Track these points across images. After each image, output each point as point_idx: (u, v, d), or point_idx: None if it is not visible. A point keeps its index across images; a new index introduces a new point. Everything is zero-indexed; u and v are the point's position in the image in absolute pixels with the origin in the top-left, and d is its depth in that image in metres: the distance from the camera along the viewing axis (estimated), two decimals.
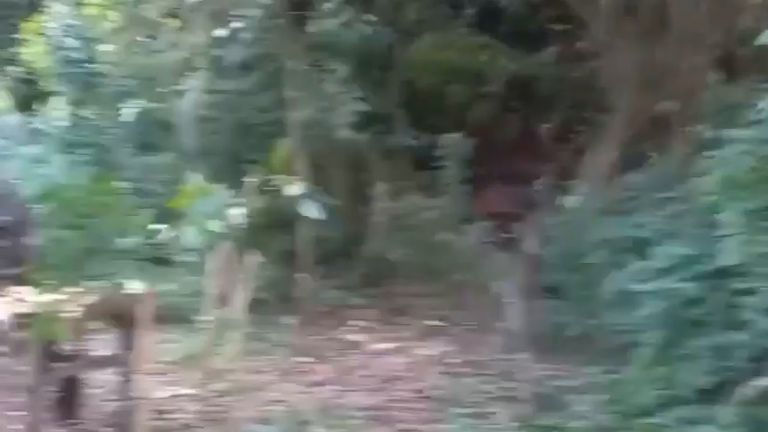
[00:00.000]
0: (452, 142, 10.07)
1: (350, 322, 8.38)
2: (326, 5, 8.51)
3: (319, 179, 9.40)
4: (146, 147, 9.49)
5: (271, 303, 8.11)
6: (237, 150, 9.09)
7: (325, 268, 9.33)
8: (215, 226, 3.98)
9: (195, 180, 3.92)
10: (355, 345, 7.66)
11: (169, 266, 4.03)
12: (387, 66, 10.09)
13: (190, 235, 3.88)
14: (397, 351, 7.46)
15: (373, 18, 7.76)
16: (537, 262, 7.81)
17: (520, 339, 7.19)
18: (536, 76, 11.57)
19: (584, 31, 9.77)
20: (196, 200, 4.10)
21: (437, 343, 7.61)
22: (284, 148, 3.94)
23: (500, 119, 11.63)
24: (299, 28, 8.36)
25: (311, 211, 4.13)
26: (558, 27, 11.48)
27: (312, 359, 7.13)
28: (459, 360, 7.10)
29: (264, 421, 5.63)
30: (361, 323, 8.36)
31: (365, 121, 8.68)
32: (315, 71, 8.58)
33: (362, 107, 8.21)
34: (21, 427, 4.93)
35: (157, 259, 3.83)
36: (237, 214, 4.13)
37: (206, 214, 4.08)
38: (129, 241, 3.67)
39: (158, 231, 3.80)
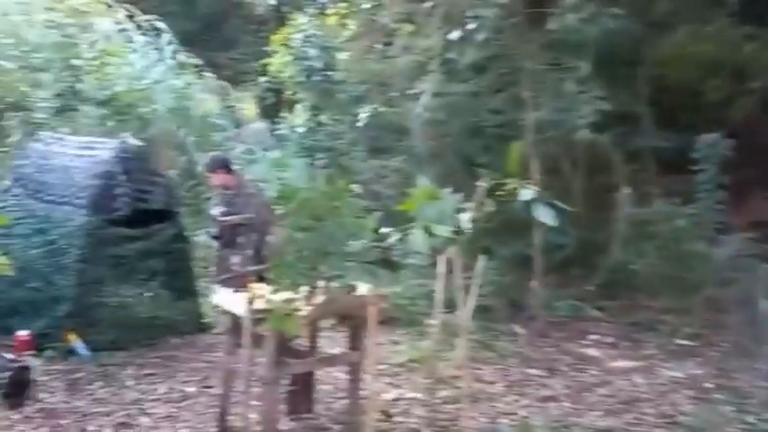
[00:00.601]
0: (708, 143, 9.39)
1: (586, 335, 8.08)
2: (567, 0, 8.31)
3: (555, 183, 9.22)
4: (378, 150, 9.90)
5: (499, 310, 8.10)
6: (469, 153, 9.14)
7: (558, 277, 9.14)
8: (443, 230, 4.02)
9: (424, 184, 3.97)
10: (592, 360, 7.37)
11: (397, 269, 4.15)
12: (633, 61, 9.64)
13: (417, 239, 3.95)
14: (639, 370, 7.07)
15: (619, 11, 7.40)
16: None
17: None
18: None
19: None
20: (425, 203, 4.16)
21: (686, 364, 7.14)
22: (517, 150, 3.87)
23: (765, 118, 10.64)
24: (537, 26, 8.25)
25: (545, 216, 4.02)
26: None
27: (544, 372, 6.97)
28: (712, 385, 6.61)
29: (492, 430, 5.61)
30: (599, 337, 8.04)
31: (607, 121, 8.31)
32: (553, 70, 8.41)
33: (604, 106, 7.87)
34: (256, 416, 5.35)
35: (386, 262, 3.94)
36: (466, 218, 4.12)
37: (434, 218, 4.13)
38: (358, 244, 3.81)
39: (387, 234, 3.90)
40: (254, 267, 6.73)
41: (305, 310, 4.32)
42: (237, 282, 5.02)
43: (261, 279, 4.76)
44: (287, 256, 3.93)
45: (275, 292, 4.00)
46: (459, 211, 4.23)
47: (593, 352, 7.64)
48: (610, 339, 7.96)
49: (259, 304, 4.33)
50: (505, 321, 8.13)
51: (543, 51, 8.33)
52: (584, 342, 7.91)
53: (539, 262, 8.25)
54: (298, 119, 10.76)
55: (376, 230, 4.01)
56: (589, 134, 8.02)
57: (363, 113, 9.28)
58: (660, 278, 8.86)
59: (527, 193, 4.25)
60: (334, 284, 3.96)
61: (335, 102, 10.27)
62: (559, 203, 4.15)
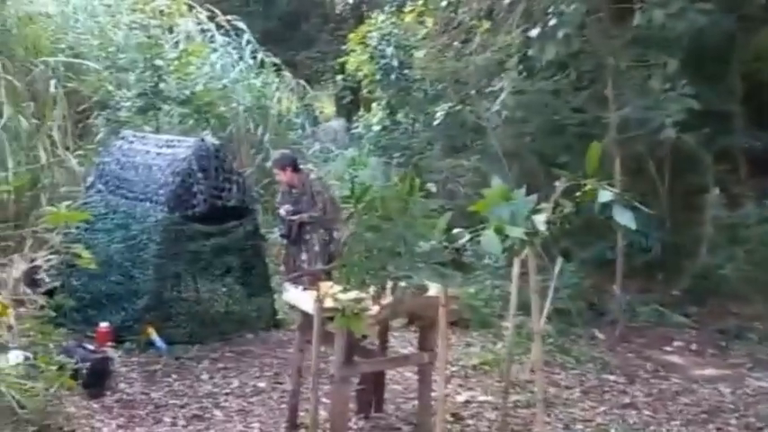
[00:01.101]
0: None
1: (669, 342, 7.89)
2: None
3: (639, 184, 9.01)
4: (454, 149, 9.89)
5: (575, 314, 7.98)
6: (548, 153, 9.03)
7: (642, 281, 8.94)
8: (516, 232, 3.98)
9: (497, 184, 3.96)
10: (675, 367, 7.20)
11: (468, 271, 4.14)
12: (723, 58, 9.32)
13: (489, 240, 3.92)
14: (725, 379, 6.89)
15: (709, 6, 7.16)
16: None
17: None
18: None
19: None
20: (497, 204, 4.12)
21: None
22: (597, 149, 3.80)
23: None
24: (621, 21, 8.08)
25: (624, 218, 3.92)
26: None
27: (623, 378, 6.84)
28: None
29: None
30: (683, 344, 7.85)
31: (695, 120, 8.06)
32: (637, 67, 8.22)
33: (693, 104, 7.64)
34: (325, 413, 5.44)
35: (457, 263, 3.93)
36: (541, 220, 4.07)
37: (507, 219, 4.09)
38: (430, 244, 3.82)
39: (459, 235, 3.91)
40: (322, 265, 6.87)
41: (373, 309, 4.37)
42: (307, 279, 5.12)
43: (330, 277, 4.84)
44: (355, 255, 3.97)
45: (344, 291, 4.04)
46: (535, 211, 4.17)
47: (676, 359, 7.47)
48: (695, 346, 7.77)
49: (328, 303, 4.40)
50: (584, 325, 8.01)
51: (628, 48, 8.15)
52: (667, 349, 7.74)
53: (620, 265, 8.08)
54: (374, 117, 10.84)
55: (447, 231, 4.01)
56: (676, 133, 7.77)
57: (440, 112, 9.28)
58: (750, 284, 8.56)
59: (606, 195, 4.15)
60: (404, 285, 3.97)
61: (412, 100, 10.29)
62: (640, 206, 4.05)
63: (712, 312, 8.59)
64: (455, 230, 4.10)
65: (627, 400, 6.36)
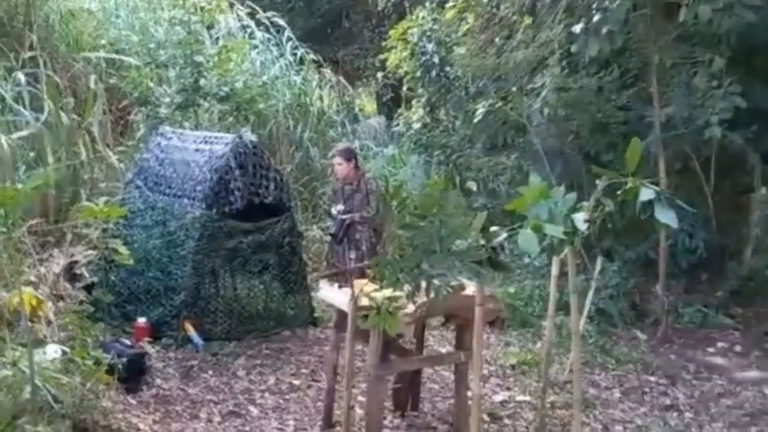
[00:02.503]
0: None
1: (713, 343, 7.71)
2: None
3: (684, 183, 8.82)
4: (494, 147, 9.77)
5: (618, 314, 7.84)
6: (590, 151, 8.89)
7: (686, 282, 8.76)
8: (554, 230, 3.88)
9: (536, 182, 3.88)
10: (718, 369, 7.05)
11: (506, 270, 4.06)
12: None
13: (526, 239, 3.83)
14: None
15: (757, 2, 6.96)
16: None
17: None
18: None
19: None
20: (536, 202, 4.03)
21: None
22: (638, 147, 3.69)
23: None
24: (667, 17, 7.91)
25: (666, 218, 3.80)
26: None
27: (665, 380, 6.72)
28: None
29: None
30: (727, 345, 7.68)
31: (744, 119, 7.87)
32: (683, 64, 8.04)
33: (740, 103, 7.46)
34: (361, 411, 5.40)
35: (494, 262, 3.86)
36: (581, 219, 3.97)
37: (545, 218, 3.99)
38: (467, 242, 3.75)
39: (496, 233, 3.83)
40: (362, 264, 6.82)
41: (408, 308, 4.30)
42: (344, 277, 5.08)
43: (365, 276, 4.80)
44: (390, 253, 3.91)
45: (379, 289, 3.98)
46: (574, 210, 4.07)
47: (719, 360, 7.32)
48: (738, 348, 7.60)
49: (363, 301, 4.34)
50: (626, 326, 7.87)
51: (673, 45, 7.98)
52: (710, 350, 7.58)
53: (663, 265, 7.92)
54: (414, 115, 10.77)
55: (484, 229, 3.93)
56: (722, 132, 7.59)
57: (480, 109, 9.17)
58: None
59: (647, 193, 4.04)
60: (438, 283, 3.89)
61: (452, 97, 10.19)
62: (684, 205, 3.93)
63: (757, 314, 8.39)
64: (492, 229, 4.03)
65: (668, 401, 6.27)
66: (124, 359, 5.36)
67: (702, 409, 6.14)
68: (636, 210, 4.07)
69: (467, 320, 5.04)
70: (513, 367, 6.73)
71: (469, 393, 5.19)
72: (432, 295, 3.97)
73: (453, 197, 3.78)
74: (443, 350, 6.94)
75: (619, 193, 4.07)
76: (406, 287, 3.90)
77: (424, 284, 3.84)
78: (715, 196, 8.89)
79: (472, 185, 8.94)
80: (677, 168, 8.88)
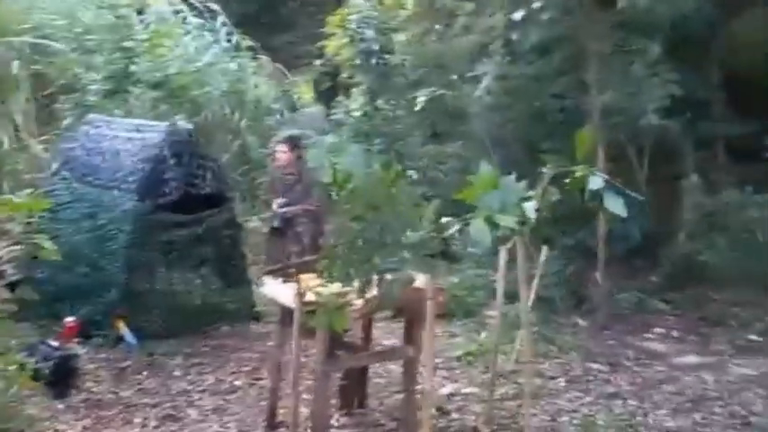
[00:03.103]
0: None
1: (650, 329, 7.64)
2: None
3: (619, 171, 8.73)
4: (436, 136, 9.52)
5: (558, 302, 7.72)
6: (531, 139, 8.72)
7: (621, 268, 8.69)
8: (507, 221, 3.65)
9: (486, 170, 3.62)
10: (657, 355, 6.95)
11: (456, 261, 3.83)
12: (705, 44, 9.08)
13: (479, 229, 3.59)
14: (708, 366, 6.64)
15: None
16: None
17: None
18: None
19: None
20: (486, 192, 3.79)
21: (757, 361, 6.66)
22: (589, 135, 3.49)
23: None
24: (606, 5, 7.80)
25: (615, 206, 3.64)
26: None
27: (607, 367, 6.57)
28: None
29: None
30: (664, 331, 7.60)
31: (676, 107, 7.82)
32: (621, 52, 7.94)
33: (676, 90, 7.38)
34: (306, 410, 5.10)
35: (445, 254, 3.60)
36: (531, 208, 3.76)
37: (497, 207, 3.76)
38: (415, 234, 3.48)
39: (449, 224, 3.57)
40: (306, 258, 6.48)
41: (357, 304, 4.01)
42: (289, 272, 4.73)
43: (311, 270, 4.48)
44: (338, 246, 3.61)
45: (326, 284, 3.69)
46: (524, 199, 3.86)
47: (658, 346, 7.23)
48: (676, 333, 7.54)
49: (309, 297, 4.04)
50: (565, 314, 7.75)
51: (611, 33, 7.86)
52: (648, 336, 7.50)
53: (602, 252, 7.82)
54: (354, 103, 10.44)
55: (436, 220, 3.67)
56: (658, 120, 7.51)
57: (421, 97, 8.90)
58: (730, 270, 8.36)
59: (596, 181, 3.86)
60: (390, 277, 3.61)
61: (393, 85, 9.89)
62: (629, 193, 3.80)
63: (692, 299, 8.36)
64: (444, 219, 3.78)
65: (612, 389, 6.11)
66: (51, 362, 4.94)
67: (645, 396, 6.00)
68: (576, 198, 3.91)
69: (416, 314, 4.79)
70: (458, 359, 6.51)
71: (419, 387, 4.97)
72: (383, 290, 3.70)
73: (406, 187, 3.51)
74: (389, 343, 6.68)
75: (566, 181, 3.89)
76: (357, 282, 3.62)
77: (375, 279, 3.57)
78: (649, 183, 8.85)
79: (413, 174, 8.70)
80: (611, 156, 8.82)
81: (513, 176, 3.99)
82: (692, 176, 8.87)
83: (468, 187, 3.82)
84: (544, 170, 4.00)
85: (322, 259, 3.70)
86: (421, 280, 4.19)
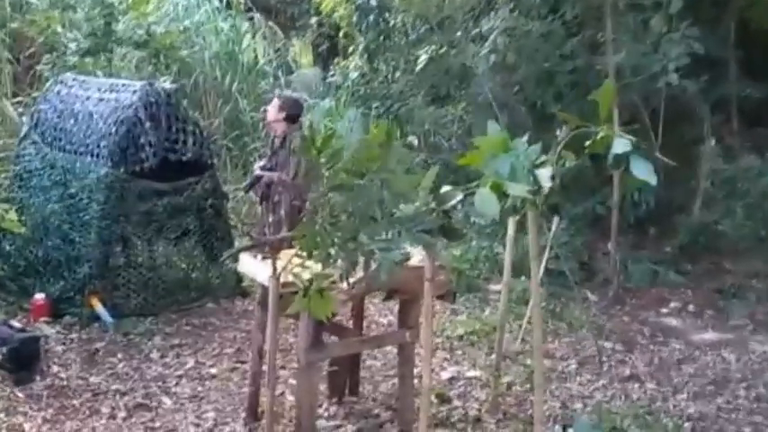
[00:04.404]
0: None
1: (665, 303, 7.05)
2: None
3: (631, 134, 8.05)
4: (437, 98, 8.80)
5: (570, 275, 7.11)
6: (535, 101, 8.05)
7: (631, 237, 8.08)
8: (519, 189, 3.00)
9: (494, 131, 2.96)
10: (674, 332, 6.38)
11: (457, 238, 3.23)
12: (721, 2, 8.37)
13: (485, 200, 2.94)
14: (727, 344, 6.08)
15: None
16: None
17: None
18: None
19: None
20: (495, 156, 3.14)
21: None
22: (611, 91, 2.84)
23: None
24: None
25: (644, 172, 2.99)
26: None
27: (621, 346, 5.99)
28: None
29: (566, 421, 4.67)
30: (680, 305, 7.01)
31: (694, 68, 7.15)
32: (638, 7, 7.24)
33: (698, 48, 6.71)
34: (292, 398, 4.52)
35: (448, 229, 2.96)
36: (547, 175, 3.11)
37: (506, 174, 3.11)
38: (413, 205, 2.85)
39: (450, 194, 2.94)
40: (287, 232, 5.77)
41: (343, 286, 3.38)
42: (266, 247, 4.08)
43: (292, 247, 3.85)
44: (319, 220, 2.97)
45: (305, 265, 3.06)
46: (536, 165, 3.22)
47: (674, 322, 6.65)
48: (692, 308, 6.94)
49: (288, 277, 3.40)
50: (576, 287, 7.14)
51: None
52: (663, 311, 6.90)
53: (615, 221, 7.18)
54: (351, 64, 9.71)
55: (434, 189, 3.03)
56: (677, 80, 6.84)
57: (423, 56, 8.17)
58: (747, 239, 7.74)
59: (622, 144, 3.21)
60: (383, 254, 2.96)
61: (392, 45, 9.15)
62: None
63: (707, 270, 7.77)
64: (444, 189, 3.14)
65: (627, 371, 5.54)
66: (10, 346, 4.35)
67: (664, 378, 5.45)
68: (586, 163, 3.34)
69: (412, 295, 4.18)
70: (460, 338, 5.90)
71: (416, 370, 4.38)
72: (372, 272, 3.07)
73: (398, 150, 2.86)
74: (384, 321, 6.08)
75: (587, 144, 3.28)
76: (340, 263, 2.99)
77: (361, 260, 2.95)
78: (663, 148, 8.19)
79: (413, 140, 8.03)
80: (624, 120, 8.17)
81: (524, 139, 3.35)
82: (710, 141, 8.21)
83: (473, 151, 3.18)
84: (558, 132, 3.44)
85: (299, 236, 3.05)
86: (417, 257, 3.58)
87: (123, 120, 5.52)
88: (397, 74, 9.33)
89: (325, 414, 4.56)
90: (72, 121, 5.78)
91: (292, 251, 3.91)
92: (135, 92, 5.66)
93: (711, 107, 8.34)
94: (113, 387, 4.73)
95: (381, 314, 6.21)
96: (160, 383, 4.84)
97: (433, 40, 8.42)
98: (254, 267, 4.07)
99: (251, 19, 10.97)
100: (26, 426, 4.08)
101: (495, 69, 7.75)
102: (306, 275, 3.06)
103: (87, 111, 5.73)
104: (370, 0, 8.93)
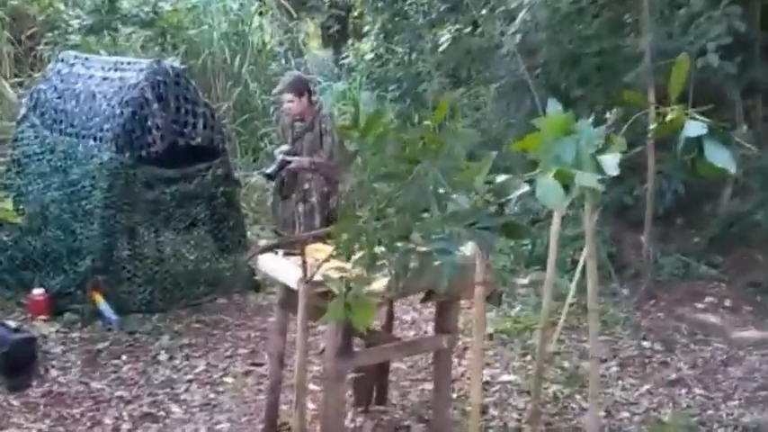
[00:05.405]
0: None
1: (700, 298, 6.53)
2: None
3: None
4: (457, 81, 8.25)
5: (606, 268, 6.61)
6: (559, 84, 7.51)
7: (659, 228, 7.56)
8: (588, 179, 2.44)
9: (556, 111, 2.39)
10: (714, 330, 5.87)
11: (523, 231, 2.72)
12: None
13: (549, 189, 2.39)
14: None
15: None
16: None
17: None
18: None
19: None
20: (557, 140, 2.57)
21: None
22: (684, 66, 2.30)
23: None
24: None
25: (721, 158, 2.42)
26: None
27: (661, 346, 5.49)
28: None
29: None
30: (715, 300, 6.49)
31: (727, 50, 6.63)
32: None
33: (740, 26, 6.20)
34: (315, 408, 4.02)
35: (511, 226, 2.42)
36: (614, 162, 2.56)
37: (570, 161, 2.55)
38: (470, 198, 2.32)
39: (510, 184, 2.41)
40: (319, 221, 5.24)
41: (380, 287, 2.85)
42: (294, 242, 3.56)
43: (324, 242, 3.34)
44: (359, 215, 2.44)
45: (343, 262, 2.54)
46: (600, 151, 2.69)
47: (712, 319, 6.10)
48: (728, 303, 6.39)
49: (320, 276, 2.87)
50: (607, 281, 6.64)
51: None
52: (699, 306, 6.37)
53: (650, 211, 6.67)
54: (366, 45, 9.17)
55: (489, 181, 2.49)
56: (717, 61, 6.31)
57: (446, 35, 7.60)
58: None
59: (696, 127, 2.65)
60: (426, 252, 2.43)
61: (408, 25, 8.59)
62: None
63: (740, 263, 7.21)
64: (500, 178, 2.62)
65: (672, 374, 5.04)
66: (3, 349, 3.85)
67: (711, 382, 4.95)
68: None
69: (450, 296, 3.67)
70: (490, 337, 5.39)
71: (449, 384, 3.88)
72: (416, 268, 2.54)
73: (461, 132, 2.34)
74: (408, 317, 5.57)
75: (652, 127, 2.78)
76: (387, 268, 2.47)
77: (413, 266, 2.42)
78: None
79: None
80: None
81: (591, 119, 2.80)
82: (742, 127, 7.68)
83: (529, 136, 2.64)
84: (608, 115, 2.95)
85: (337, 233, 2.53)
86: (462, 254, 3.05)
87: (129, 100, 4.99)
88: (414, 55, 8.78)
89: (351, 426, 4.05)
90: (73, 102, 5.26)
91: (317, 245, 3.41)
92: (141, 70, 5.13)
93: (744, 92, 7.84)
94: (117, 394, 4.23)
95: (403, 310, 5.69)
96: (168, 389, 4.34)
97: (452, 20, 7.85)
98: (277, 266, 3.53)
99: None
100: None
101: (522, 51, 7.20)
102: (337, 276, 2.53)
103: (90, 91, 5.20)
104: None
